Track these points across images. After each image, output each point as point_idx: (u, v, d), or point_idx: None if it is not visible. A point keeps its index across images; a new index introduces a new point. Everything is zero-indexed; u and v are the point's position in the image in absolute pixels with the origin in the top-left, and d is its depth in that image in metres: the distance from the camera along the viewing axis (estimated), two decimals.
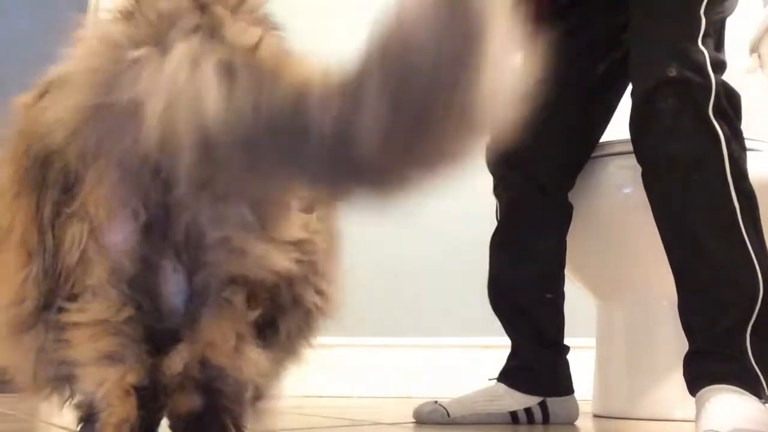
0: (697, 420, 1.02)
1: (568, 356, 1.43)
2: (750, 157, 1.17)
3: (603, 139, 1.49)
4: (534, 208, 1.39)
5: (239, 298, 0.64)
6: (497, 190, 1.44)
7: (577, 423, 1.40)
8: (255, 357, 0.64)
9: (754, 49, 1.58)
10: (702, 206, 1.11)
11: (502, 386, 1.38)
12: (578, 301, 1.60)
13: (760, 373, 1.05)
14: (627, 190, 1.46)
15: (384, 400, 2.00)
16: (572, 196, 1.44)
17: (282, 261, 0.64)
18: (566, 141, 1.40)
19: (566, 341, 1.43)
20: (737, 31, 1.33)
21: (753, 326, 1.06)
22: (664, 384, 1.46)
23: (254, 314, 0.65)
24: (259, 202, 0.62)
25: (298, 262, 0.65)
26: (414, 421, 1.36)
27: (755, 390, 1.03)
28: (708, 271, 1.10)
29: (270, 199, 0.63)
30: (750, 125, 1.30)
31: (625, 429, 1.33)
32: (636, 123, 1.18)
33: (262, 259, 0.63)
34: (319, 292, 0.71)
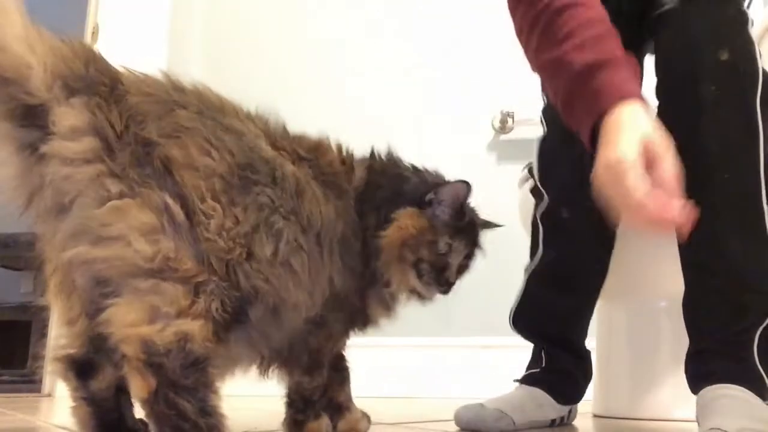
0: (700, 418, 1.02)
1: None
2: None
3: None
4: (585, 239, 1.30)
5: None
6: (543, 216, 1.35)
7: (577, 423, 1.40)
8: None
9: None
10: (729, 205, 1.04)
11: (541, 393, 1.31)
12: None
13: (764, 374, 1.04)
14: None
15: (385, 400, 2.00)
16: None
17: None
18: None
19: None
20: None
21: (764, 329, 1.05)
22: (664, 384, 1.46)
23: None
24: None
25: None
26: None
27: (759, 391, 1.02)
28: (729, 273, 1.05)
29: None
30: None
31: (625, 429, 1.33)
32: (668, 106, 1.09)
33: None
34: None
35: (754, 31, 1.41)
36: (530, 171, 1.43)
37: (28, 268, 3.36)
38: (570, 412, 1.37)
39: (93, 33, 2.16)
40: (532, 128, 2.31)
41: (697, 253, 1.08)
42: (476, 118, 2.38)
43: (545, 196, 1.34)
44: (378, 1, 2.54)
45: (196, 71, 2.29)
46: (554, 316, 1.35)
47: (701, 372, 1.07)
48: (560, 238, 1.33)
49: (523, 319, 1.38)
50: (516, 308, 1.39)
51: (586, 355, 1.38)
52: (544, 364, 1.35)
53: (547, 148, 1.36)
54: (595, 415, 1.57)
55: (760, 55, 1.07)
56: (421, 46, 2.45)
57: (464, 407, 1.25)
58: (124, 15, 2.20)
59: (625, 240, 1.45)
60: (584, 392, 1.38)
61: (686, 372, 1.11)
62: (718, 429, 0.93)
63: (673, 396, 1.44)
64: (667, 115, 1.06)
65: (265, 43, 2.57)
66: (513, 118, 2.32)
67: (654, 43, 1.18)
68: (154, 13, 2.22)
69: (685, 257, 1.11)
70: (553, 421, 1.33)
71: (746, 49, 1.05)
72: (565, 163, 1.27)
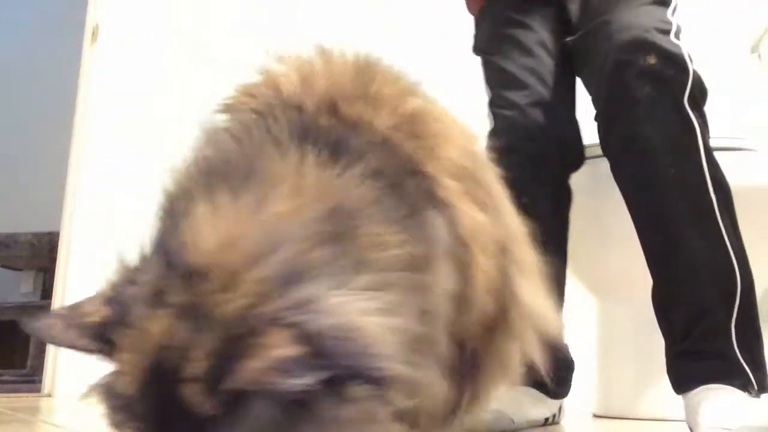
0: (692, 420, 1.02)
1: None
2: (744, 156, 1.18)
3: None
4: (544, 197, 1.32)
5: None
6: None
7: (577, 423, 1.40)
8: None
9: (755, 49, 1.58)
10: (679, 195, 1.11)
11: (535, 391, 1.29)
12: (578, 301, 1.60)
13: (747, 368, 1.05)
14: None
15: None
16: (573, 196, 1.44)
17: None
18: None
19: (566, 341, 1.43)
20: (737, 32, 1.33)
21: (736, 321, 1.07)
22: (664, 384, 1.45)
23: None
24: None
25: None
26: None
27: (744, 386, 1.04)
28: (686, 264, 1.10)
29: None
30: (745, 125, 1.31)
31: (625, 429, 1.33)
32: (606, 111, 1.17)
33: None
34: None
35: (753, 32, 1.41)
36: None
37: (28, 268, 3.36)
38: (560, 409, 1.36)
39: (93, 33, 2.17)
40: None
41: (654, 244, 1.14)
42: (476, 118, 2.38)
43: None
44: (378, 1, 2.54)
45: (196, 71, 2.29)
46: None
47: (685, 374, 1.10)
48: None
49: None
50: None
51: (566, 348, 1.36)
52: None
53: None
54: (595, 415, 1.57)
55: (690, 59, 1.15)
56: (421, 46, 2.45)
57: None
58: (124, 15, 2.20)
59: (625, 240, 1.45)
60: (570, 384, 1.37)
61: (669, 375, 1.12)
62: (719, 428, 0.94)
63: (672, 396, 1.44)
64: (607, 125, 1.17)
65: (265, 43, 2.56)
66: None
67: (581, 62, 1.28)
68: (154, 13, 2.22)
69: (644, 250, 1.16)
70: (546, 419, 1.32)
71: (672, 53, 1.14)
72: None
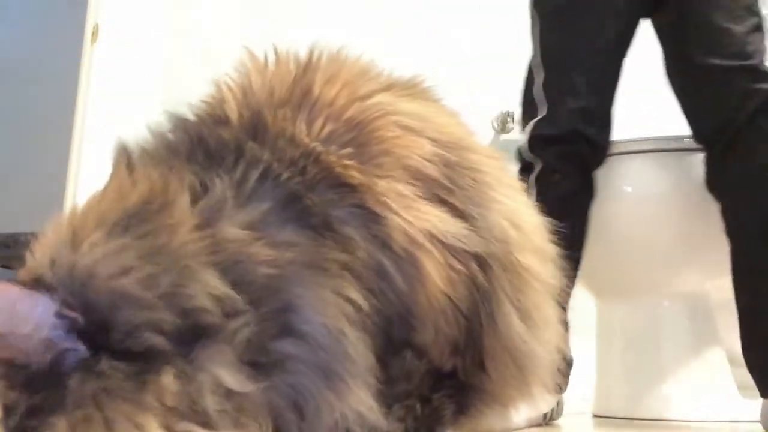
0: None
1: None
2: None
3: None
4: (576, 197, 1.36)
5: None
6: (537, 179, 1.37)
7: (577, 423, 1.40)
8: None
9: None
10: None
11: None
12: (578, 301, 1.59)
13: None
14: (628, 190, 1.46)
15: None
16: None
17: None
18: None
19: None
20: None
21: None
22: (664, 384, 1.46)
23: None
24: None
25: None
26: None
27: None
28: None
29: None
30: None
31: (625, 429, 1.33)
32: (721, 146, 1.19)
33: None
34: None
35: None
36: (517, 151, 1.42)
37: None
38: (558, 404, 1.35)
39: (93, 33, 2.16)
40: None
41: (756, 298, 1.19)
42: (476, 118, 2.38)
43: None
44: (378, 1, 2.54)
45: (196, 71, 2.29)
46: None
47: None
48: (550, 197, 1.31)
49: None
50: None
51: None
52: None
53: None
54: (595, 415, 1.57)
55: None
56: (420, 46, 2.45)
57: None
58: (124, 15, 2.20)
59: (625, 240, 1.45)
60: (569, 380, 1.35)
61: (752, 372, 1.20)
62: None
63: (672, 396, 1.44)
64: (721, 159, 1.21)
65: (264, 43, 2.56)
66: (513, 118, 2.32)
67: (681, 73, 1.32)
68: (154, 13, 2.22)
69: (739, 302, 1.22)
70: (545, 415, 1.31)
71: None
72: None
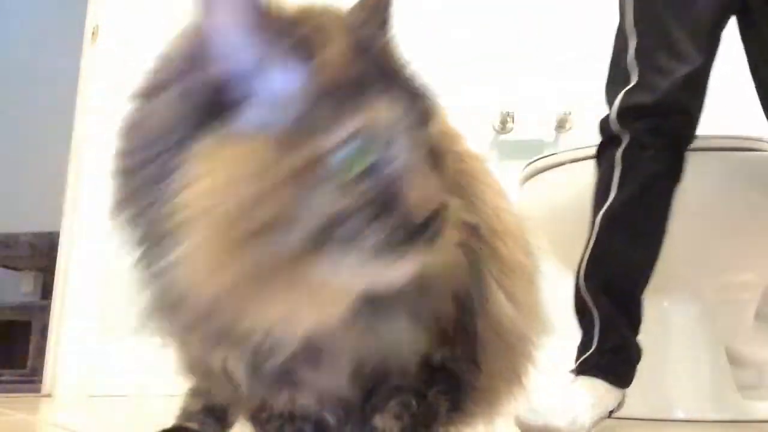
0: None
1: (566, 356, 1.42)
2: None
3: None
4: (666, 177, 1.25)
5: None
6: (624, 151, 1.26)
7: None
8: None
9: None
10: None
11: (600, 382, 1.20)
12: None
13: None
14: None
15: None
16: (571, 197, 1.44)
17: None
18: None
19: (566, 341, 1.42)
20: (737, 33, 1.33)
21: None
22: (665, 384, 1.46)
23: None
24: None
25: None
26: None
27: None
28: None
29: None
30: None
31: (625, 429, 1.33)
32: None
33: None
34: None
35: None
36: (603, 123, 1.31)
37: (28, 268, 3.36)
38: (623, 396, 1.25)
39: (93, 33, 2.17)
40: (532, 128, 2.32)
41: None
42: (476, 118, 2.38)
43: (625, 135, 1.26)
44: None
45: None
46: (630, 268, 1.26)
47: None
48: (637, 176, 1.25)
49: (599, 273, 1.26)
50: (588, 261, 1.27)
51: (640, 323, 1.27)
52: (595, 344, 1.24)
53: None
54: None
55: None
56: (420, 46, 2.45)
57: (531, 410, 1.11)
58: (124, 15, 2.20)
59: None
60: (634, 373, 1.26)
61: None
62: None
63: (672, 396, 1.44)
64: None
65: None
66: (513, 118, 2.32)
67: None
68: (153, 13, 2.22)
69: None
70: (611, 412, 1.22)
71: None
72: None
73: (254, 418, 0.66)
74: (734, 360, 1.50)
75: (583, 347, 1.26)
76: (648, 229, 1.25)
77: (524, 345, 0.70)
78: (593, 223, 1.28)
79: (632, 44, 1.27)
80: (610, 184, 1.26)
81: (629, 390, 1.23)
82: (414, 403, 0.64)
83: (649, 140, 1.23)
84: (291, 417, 0.63)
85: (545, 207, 1.59)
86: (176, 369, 0.69)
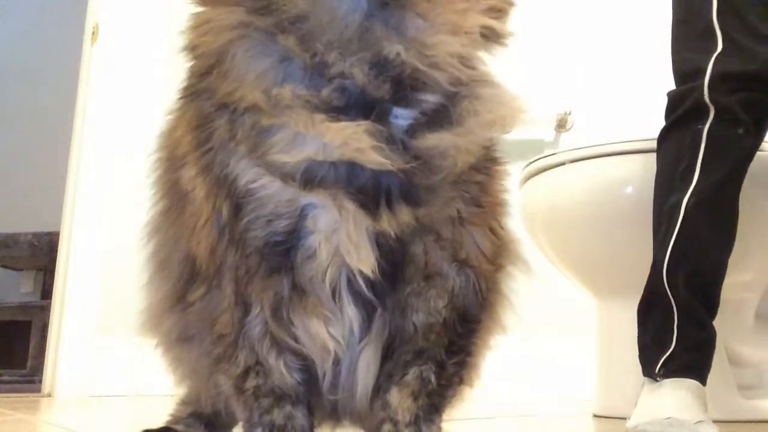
0: None
1: (566, 356, 1.42)
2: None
3: (603, 140, 1.50)
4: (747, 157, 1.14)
5: None
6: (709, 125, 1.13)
7: (577, 423, 1.40)
8: None
9: None
10: None
11: (694, 383, 1.15)
12: (578, 301, 1.60)
13: None
14: (628, 189, 1.46)
15: None
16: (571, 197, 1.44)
17: None
18: None
19: (566, 341, 1.42)
20: None
21: None
22: None
23: None
24: None
25: None
26: None
27: None
28: None
29: None
30: None
31: (625, 429, 1.33)
32: None
33: None
34: None
35: None
36: (684, 93, 1.17)
37: (28, 268, 3.36)
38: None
39: (93, 33, 2.16)
40: (532, 128, 2.32)
41: None
42: None
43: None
44: None
45: None
46: (717, 259, 1.16)
47: None
48: (728, 155, 1.14)
49: (685, 265, 1.15)
50: (672, 252, 1.16)
51: (715, 315, 1.18)
52: (675, 343, 1.16)
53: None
54: (595, 415, 1.57)
55: None
56: None
57: (649, 424, 1.09)
58: (124, 15, 2.19)
59: (625, 239, 1.45)
60: (711, 360, 1.20)
61: None
62: None
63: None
64: None
65: None
66: None
67: None
68: (154, 13, 2.22)
69: None
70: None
71: None
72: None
73: None
74: (734, 360, 1.50)
75: (655, 344, 1.19)
76: (733, 217, 1.16)
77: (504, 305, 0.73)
78: (672, 209, 1.15)
79: (715, 1, 1.14)
80: (693, 165, 1.13)
81: (629, 390, 1.23)
82: (434, 379, 0.63)
83: (742, 115, 1.11)
84: None
85: (545, 207, 1.59)
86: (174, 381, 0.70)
